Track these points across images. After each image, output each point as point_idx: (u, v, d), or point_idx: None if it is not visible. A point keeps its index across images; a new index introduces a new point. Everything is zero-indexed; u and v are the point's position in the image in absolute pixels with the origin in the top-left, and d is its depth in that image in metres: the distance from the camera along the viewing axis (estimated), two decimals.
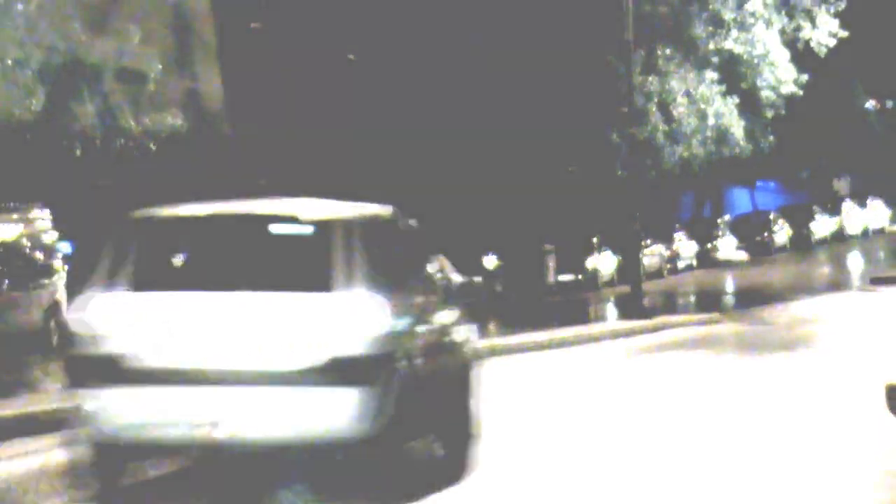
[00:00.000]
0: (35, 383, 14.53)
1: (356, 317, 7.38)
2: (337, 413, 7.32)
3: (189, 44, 27.75)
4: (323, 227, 7.89)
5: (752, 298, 29.96)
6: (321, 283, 7.48)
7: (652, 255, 36.47)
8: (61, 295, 18.74)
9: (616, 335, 22.12)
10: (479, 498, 7.95)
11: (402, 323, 7.80)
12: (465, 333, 9.27)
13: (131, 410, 7.37)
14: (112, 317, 7.42)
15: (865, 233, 50.05)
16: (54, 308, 18.17)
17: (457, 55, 31.65)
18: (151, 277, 7.73)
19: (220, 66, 28.18)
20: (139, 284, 7.57)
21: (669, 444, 9.73)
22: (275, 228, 8.17)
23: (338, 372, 7.27)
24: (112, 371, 7.34)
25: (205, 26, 27.95)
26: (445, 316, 8.89)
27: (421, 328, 8.24)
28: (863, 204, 50.72)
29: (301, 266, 7.79)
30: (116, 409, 7.33)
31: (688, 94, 35.27)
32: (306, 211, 8.08)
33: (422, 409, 8.01)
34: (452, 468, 8.51)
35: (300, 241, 7.99)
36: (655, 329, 22.75)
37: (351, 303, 7.40)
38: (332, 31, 29.62)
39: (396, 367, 7.60)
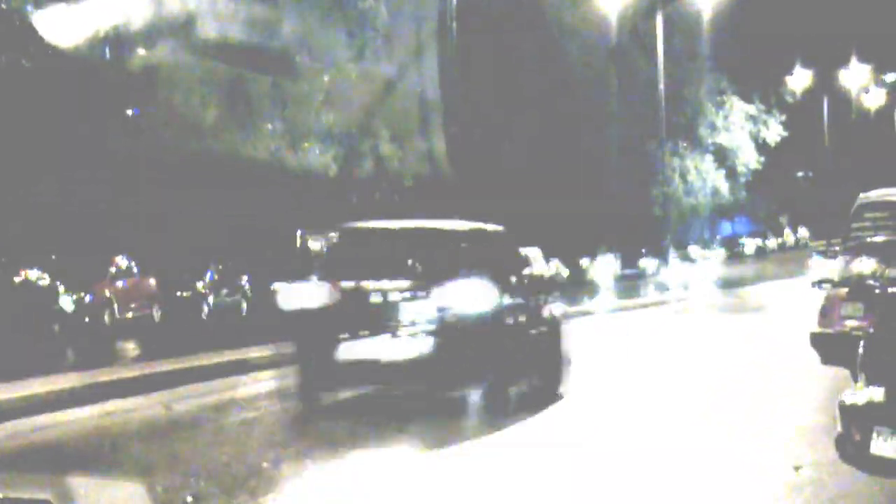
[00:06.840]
0: None
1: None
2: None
3: (428, 121, 33.39)
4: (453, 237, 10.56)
5: (735, 282, 38.96)
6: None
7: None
8: None
9: None
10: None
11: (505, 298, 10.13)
12: (555, 305, 11.76)
13: None
14: None
15: (796, 244, 65.67)
16: None
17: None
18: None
19: (445, 133, 32.07)
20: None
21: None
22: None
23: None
24: None
25: (436, 110, 33.11)
26: (540, 295, 11.42)
27: (517, 302, 10.55)
28: (795, 230, 68.07)
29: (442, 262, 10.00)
30: None
31: (696, 168, 48.38)
32: (442, 226, 10.73)
33: (522, 355, 10.30)
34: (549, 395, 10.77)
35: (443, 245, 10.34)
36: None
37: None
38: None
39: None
